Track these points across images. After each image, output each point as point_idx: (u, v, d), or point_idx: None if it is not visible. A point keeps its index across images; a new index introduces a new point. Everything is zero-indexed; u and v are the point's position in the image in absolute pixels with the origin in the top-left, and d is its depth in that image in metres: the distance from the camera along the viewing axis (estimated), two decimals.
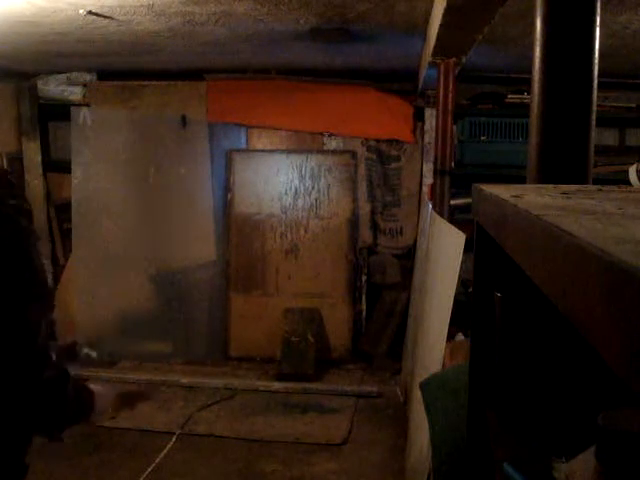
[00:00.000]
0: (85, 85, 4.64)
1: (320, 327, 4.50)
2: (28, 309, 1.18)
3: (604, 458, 0.63)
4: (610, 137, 4.45)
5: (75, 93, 4.62)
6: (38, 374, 1.22)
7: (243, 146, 4.72)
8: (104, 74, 4.65)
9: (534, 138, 1.25)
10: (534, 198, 0.77)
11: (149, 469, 3.07)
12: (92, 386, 1.49)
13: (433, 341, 2.32)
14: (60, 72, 4.59)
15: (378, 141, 4.61)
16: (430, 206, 3.28)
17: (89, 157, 4.62)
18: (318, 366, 4.29)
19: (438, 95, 3.02)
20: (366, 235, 4.66)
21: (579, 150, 1.24)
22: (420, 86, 3.99)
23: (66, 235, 4.76)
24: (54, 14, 2.76)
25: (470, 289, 1.24)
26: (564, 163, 1.24)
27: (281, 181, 4.59)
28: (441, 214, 2.94)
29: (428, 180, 4.21)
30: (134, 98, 4.62)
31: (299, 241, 4.59)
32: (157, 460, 3.16)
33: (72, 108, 4.59)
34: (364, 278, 4.64)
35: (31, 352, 1.20)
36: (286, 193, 4.59)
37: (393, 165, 4.63)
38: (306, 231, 4.58)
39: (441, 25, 2.20)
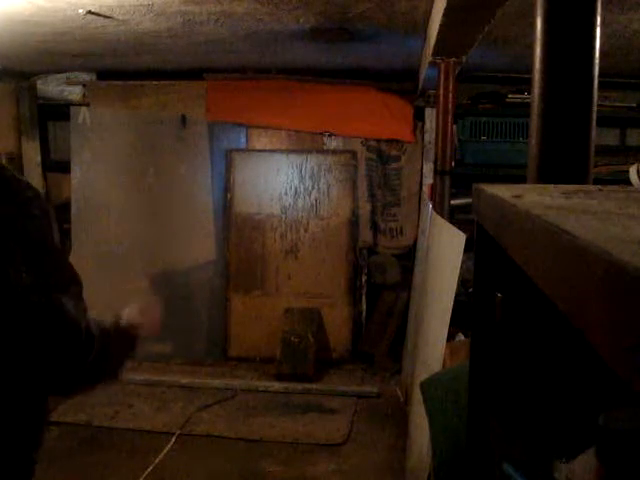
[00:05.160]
0: (84, 85, 4.64)
1: (320, 327, 4.49)
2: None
3: (605, 458, 0.63)
4: (610, 137, 4.45)
5: (74, 93, 4.62)
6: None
7: (243, 146, 4.71)
8: (104, 74, 4.65)
9: (534, 138, 1.25)
10: (534, 198, 0.77)
11: (149, 469, 3.07)
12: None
13: (433, 341, 2.31)
14: (60, 72, 4.59)
15: (378, 141, 4.60)
16: (430, 206, 3.28)
17: (88, 157, 4.61)
18: (318, 366, 4.28)
19: (438, 95, 3.02)
20: (366, 235, 4.66)
21: (579, 150, 1.23)
22: (420, 86, 3.99)
23: (65, 235, 4.76)
24: (54, 14, 2.76)
25: (470, 289, 1.24)
26: (564, 163, 1.23)
27: (281, 181, 4.59)
28: (441, 214, 2.93)
29: (428, 180, 4.21)
30: (134, 98, 4.62)
31: (299, 241, 4.58)
32: (156, 460, 3.16)
33: (71, 108, 4.59)
34: (364, 278, 4.63)
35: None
36: (286, 193, 4.59)
37: (393, 165, 4.62)
38: (306, 231, 4.58)
39: (441, 25, 2.20)
